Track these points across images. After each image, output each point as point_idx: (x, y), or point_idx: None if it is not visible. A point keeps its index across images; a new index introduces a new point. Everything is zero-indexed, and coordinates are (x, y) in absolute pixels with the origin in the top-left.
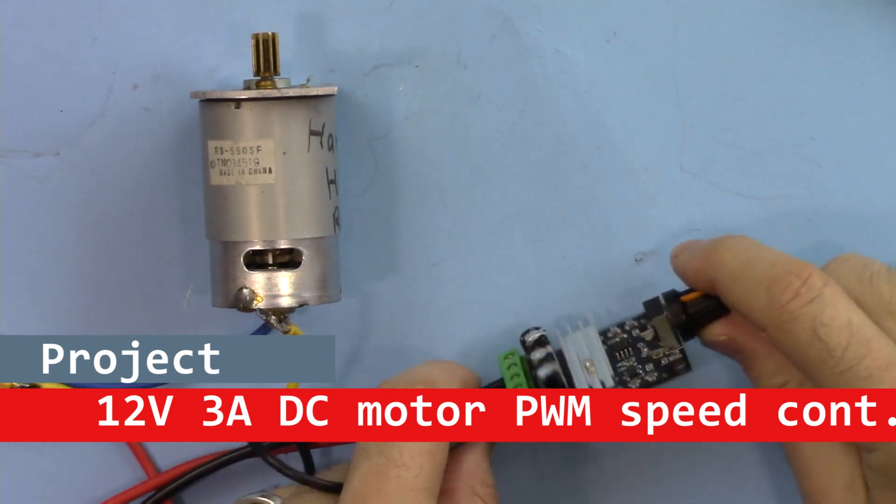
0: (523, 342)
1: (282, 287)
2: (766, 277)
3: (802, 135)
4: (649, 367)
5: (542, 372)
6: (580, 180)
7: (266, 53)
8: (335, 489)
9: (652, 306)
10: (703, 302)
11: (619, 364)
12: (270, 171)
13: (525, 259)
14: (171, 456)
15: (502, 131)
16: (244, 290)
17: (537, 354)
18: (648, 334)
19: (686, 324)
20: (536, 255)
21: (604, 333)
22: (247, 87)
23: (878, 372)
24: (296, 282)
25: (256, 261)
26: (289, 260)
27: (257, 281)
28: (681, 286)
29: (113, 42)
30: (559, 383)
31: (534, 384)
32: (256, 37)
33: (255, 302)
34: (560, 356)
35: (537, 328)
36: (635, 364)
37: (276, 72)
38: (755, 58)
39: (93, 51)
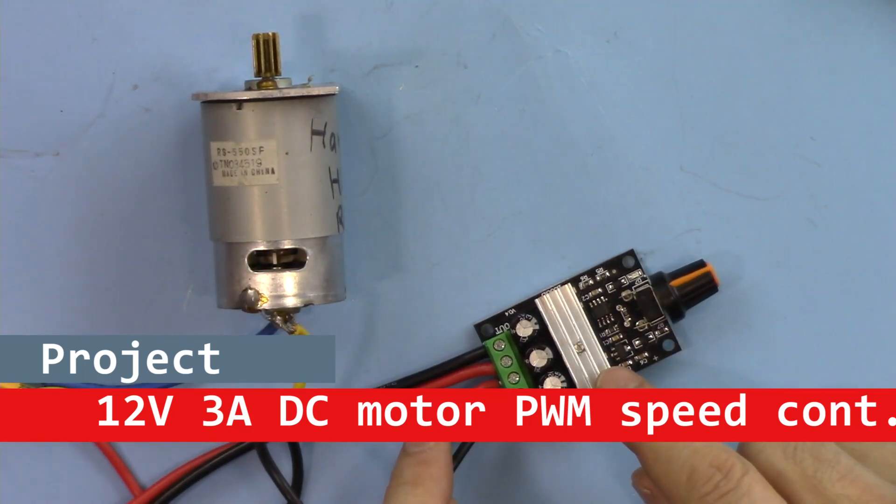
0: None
1: (287, 287)
2: (688, 466)
3: (802, 135)
4: (637, 343)
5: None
6: (580, 180)
7: (267, 54)
8: None
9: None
10: (692, 284)
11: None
12: (273, 171)
13: (525, 259)
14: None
15: (502, 131)
16: (249, 291)
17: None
18: (628, 295)
19: (674, 305)
20: (536, 255)
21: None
22: (248, 87)
23: None
24: (301, 282)
25: (261, 261)
26: (293, 260)
27: (262, 282)
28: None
29: (113, 42)
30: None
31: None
32: (257, 37)
33: (260, 303)
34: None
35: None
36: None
37: (277, 72)
38: (755, 58)
39: (93, 51)
